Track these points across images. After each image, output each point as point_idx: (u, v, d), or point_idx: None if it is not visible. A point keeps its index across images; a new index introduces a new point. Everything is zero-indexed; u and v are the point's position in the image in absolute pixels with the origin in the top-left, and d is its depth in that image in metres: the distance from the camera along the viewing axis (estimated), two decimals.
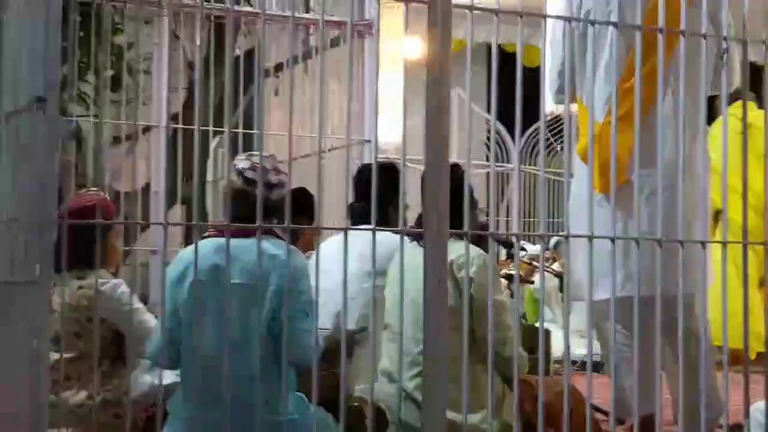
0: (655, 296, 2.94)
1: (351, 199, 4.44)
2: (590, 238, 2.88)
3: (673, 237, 2.99)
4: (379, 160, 3.01)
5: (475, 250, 3.54)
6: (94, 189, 4.05)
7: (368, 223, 2.67)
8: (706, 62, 3.07)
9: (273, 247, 3.26)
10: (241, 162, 3.43)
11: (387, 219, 3.39)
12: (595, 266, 2.89)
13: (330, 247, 3.58)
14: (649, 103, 3.32)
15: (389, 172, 3.47)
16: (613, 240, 2.90)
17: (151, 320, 3.74)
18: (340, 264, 2.70)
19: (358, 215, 3.91)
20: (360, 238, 2.73)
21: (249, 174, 3.36)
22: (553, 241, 7.70)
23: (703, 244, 3.04)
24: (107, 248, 3.92)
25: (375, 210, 2.71)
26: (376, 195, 2.69)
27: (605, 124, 3.69)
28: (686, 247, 2.97)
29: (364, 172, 4.54)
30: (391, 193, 2.88)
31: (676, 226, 3.05)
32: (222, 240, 3.25)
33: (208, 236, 3.36)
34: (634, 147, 3.01)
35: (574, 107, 9.00)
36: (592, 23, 3.04)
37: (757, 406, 3.53)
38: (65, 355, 3.62)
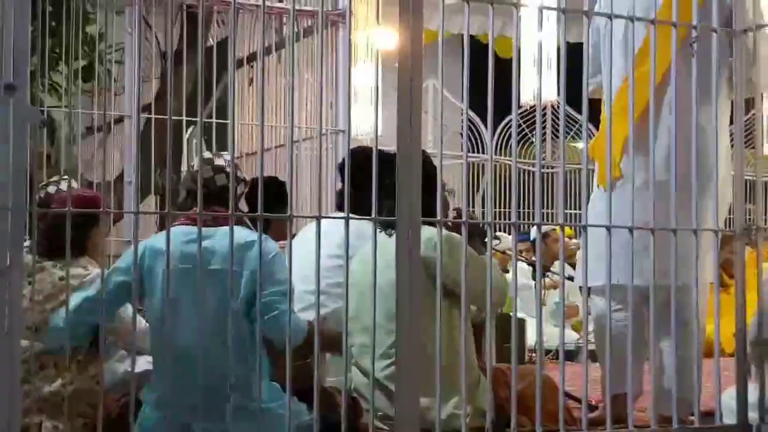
0: (661, 286, 3.03)
1: (339, 186, 4.39)
2: (561, 226, 2.90)
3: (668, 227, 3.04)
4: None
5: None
6: (63, 178, 4.02)
7: (357, 211, 2.67)
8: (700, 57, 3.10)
9: (244, 234, 3.28)
10: (218, 159, 3.49)
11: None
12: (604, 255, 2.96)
13: (301, 237, 3.58)
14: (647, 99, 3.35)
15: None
16: (610, 229, 2.92)
17: (129, 311, 3.72)
18: (307, 253, 2.70)
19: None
20: (330, 227, 2.73)
21: (228, 169, 3.43)
22: (533, 235, 7.72)
23: (695, 232, 3.06)
24: (97, 238, 3.89)
25: (349, 199, 2.71)
26: (349, 186, 2.69)
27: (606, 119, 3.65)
28: (685, 237, 3.04)
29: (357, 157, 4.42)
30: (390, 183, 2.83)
31: (669, 217, 3.10)
32: (191, 228, 3.27)
33: (178, 224, 3.36)
34: (627, 142, 3.06)
35: (550, 98, 9.00)
36: (587, 14, 3.02)
37: (729, 392, 3.56)
38: (41, 345, 3.60)
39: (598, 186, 3.82)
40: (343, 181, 4.26)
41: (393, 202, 2.70)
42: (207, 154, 3.56)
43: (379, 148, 2.78)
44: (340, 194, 4.19)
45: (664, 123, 3.57)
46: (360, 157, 3.04)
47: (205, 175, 3.35)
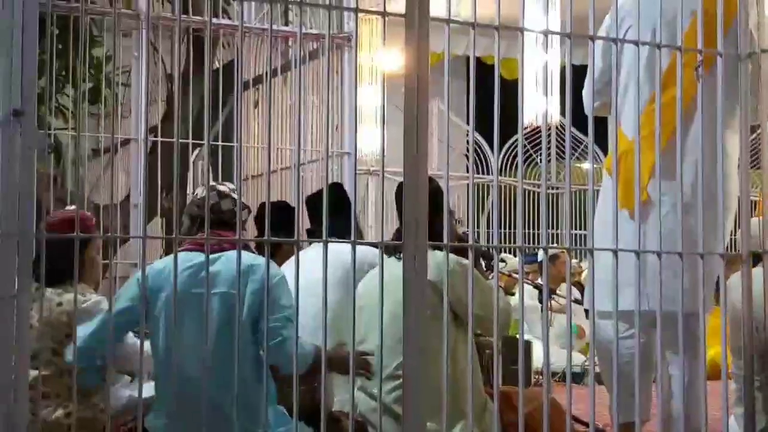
0: (673, 311, 3.03)
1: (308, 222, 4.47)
2: (568, 250, 2.89)
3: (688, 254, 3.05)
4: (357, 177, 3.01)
5: (450, 257, 3.52)
6: (72, 207, 4.03)
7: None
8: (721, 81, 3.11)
9: (248, 257, 3.29)
10: (220, 186, 3.54)
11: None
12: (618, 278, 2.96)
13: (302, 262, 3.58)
14: (675, 124, 3.36)
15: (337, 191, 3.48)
16: (616, 253, 2.92)
17: (131, 337, 3.71)
18: (310, 278, 2.70)
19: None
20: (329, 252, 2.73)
21: (233, 195, 3.47)
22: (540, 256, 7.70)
23: (702, 256, 3.06)
24: (87, 262, 3.89)
25: (354, 224, 2.72)
26: (354, 210, 2.69)
27: (634, 141, 3.64)
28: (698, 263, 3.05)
29: (312, 198, 4.56)
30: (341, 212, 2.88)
31: (688, 243, 3.10)
32: (193, 254, 3.28)
33: (183, 250, 3.37)
34: (655, 166, 3.07)
35: (555, 119, 8.99)
36: (592, 39, 3.02)
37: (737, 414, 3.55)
38: (42, 373, 3.59)
39: (620, 209, 3.78)
40: (310, 217, 4.35)
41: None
42: (212, 183, 3.62)
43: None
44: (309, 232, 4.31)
45: (690, 149, 3.56)
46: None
47: (211, 201, 3.37)
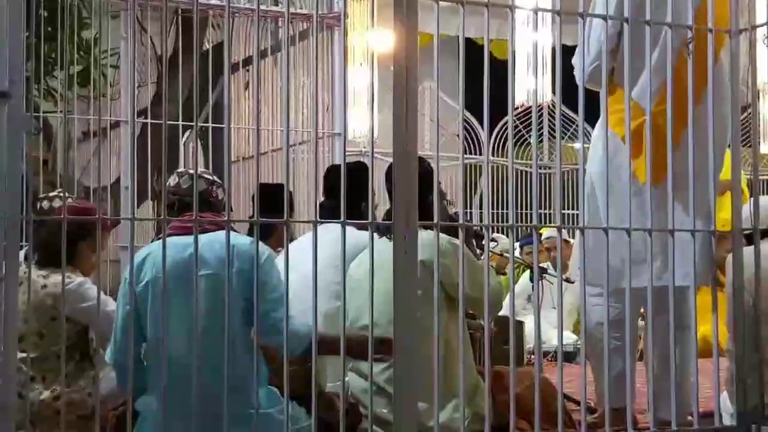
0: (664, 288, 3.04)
1: (321, 197, 4.41)
2: (559, 228, 2.89)
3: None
4: (347, 158, 3.01)
5: (442, 237, 3.51)
6: (58, 195, 4.01)
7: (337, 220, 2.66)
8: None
9: (235, 238, 3.27)
10: (191, 170, 3.57)
11: (358, 217, 3.36)
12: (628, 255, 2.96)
13: (300, 244, 3.57)
14: (697, 100, 3.36)
15: (359, 172, 3.44)
16: (606, 231, 2.92)
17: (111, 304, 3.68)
18: (308, 260, 2.69)
19: (328, 214, 3.86)
20: (328, 235, 2.72)
21: (206, 175, 3.48)
22: (545, 235, 7.69)
23: (693, 233, 3.06)
24: (82, 253, 3.86)
25: (344, 204, 2.70)
26: (345, 191, 2.68)
27: (655, 114, 3.60)
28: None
29: (333, 172, 4.46)
30: (360, 192, 2.87)
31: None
32: (183, 238, 3.27)
33: (169, 235, 3.35)
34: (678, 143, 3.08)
35: (546, 98, 8.98)
36: (582, 16, 3.00)
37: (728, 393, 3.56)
38: (29, 356, 3.58)
39: (643, 182, 3.73)
40: (325, 193, 4.30)
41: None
42: (181, 169, 3.63)
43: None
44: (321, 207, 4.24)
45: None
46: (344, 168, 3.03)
47: (184, 185, 3.39)
